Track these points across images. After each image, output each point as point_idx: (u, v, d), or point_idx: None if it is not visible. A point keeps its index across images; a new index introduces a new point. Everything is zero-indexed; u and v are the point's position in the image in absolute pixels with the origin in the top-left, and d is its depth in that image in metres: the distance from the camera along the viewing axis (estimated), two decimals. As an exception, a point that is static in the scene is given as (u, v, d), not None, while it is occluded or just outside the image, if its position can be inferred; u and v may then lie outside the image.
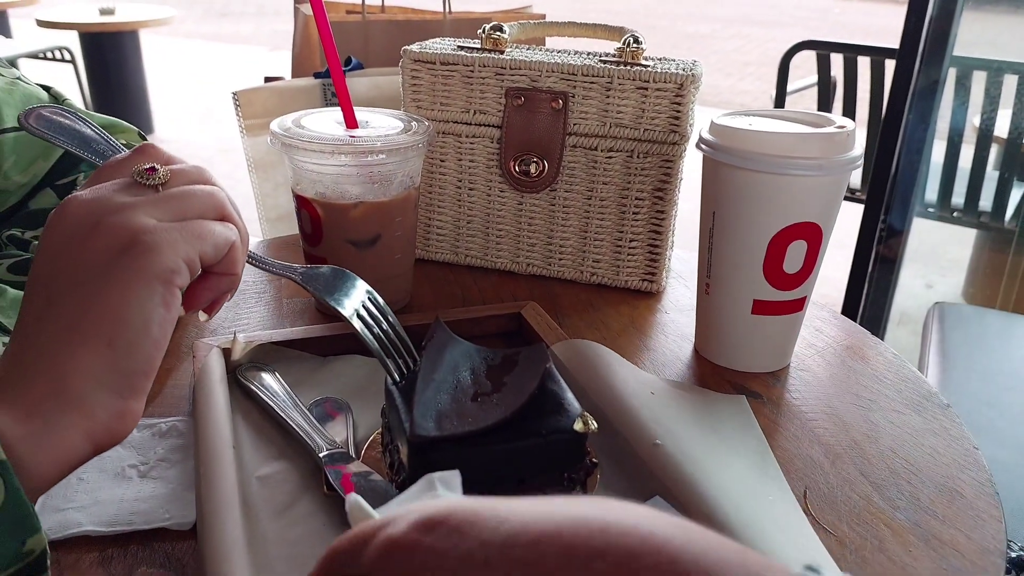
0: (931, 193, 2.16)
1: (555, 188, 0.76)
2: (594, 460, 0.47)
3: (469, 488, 0.43)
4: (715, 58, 7.02)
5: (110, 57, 4.20)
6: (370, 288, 0.53)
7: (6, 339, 0.53)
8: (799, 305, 0.62)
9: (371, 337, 0.49)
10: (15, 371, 0.35)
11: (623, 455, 0.50)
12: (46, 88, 0.71)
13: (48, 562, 0.33)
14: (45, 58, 3.84)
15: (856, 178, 2.37)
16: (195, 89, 5.50)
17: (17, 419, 0.33)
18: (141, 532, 0.45)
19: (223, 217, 0.40)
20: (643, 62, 0.73)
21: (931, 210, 2.19)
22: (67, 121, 0.47)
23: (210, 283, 0.41)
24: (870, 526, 0.48)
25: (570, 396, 0.47)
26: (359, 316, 0.50)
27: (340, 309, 0.50)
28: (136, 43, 4.28)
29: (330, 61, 0.65)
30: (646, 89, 0.70)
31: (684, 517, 0.43)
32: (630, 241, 0.76)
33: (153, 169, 0.39)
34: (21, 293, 0.56)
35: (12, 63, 0.68)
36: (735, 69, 6.63)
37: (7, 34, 4.67)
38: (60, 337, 0.35)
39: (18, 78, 0.69)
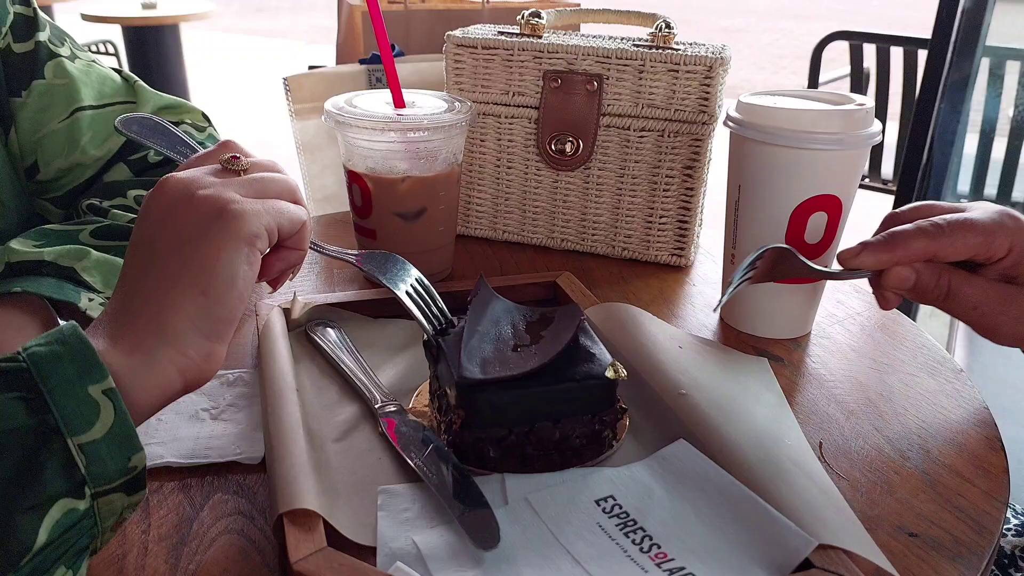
0: (964, 184, 2.16)
1: (589, 166, 0.80)
2: (623, 406, 0.52)
3: (512, 425, 0.48)
4: (749, 52, 6.99)
5: (152, 50, 4.31)
6: (417, 270, 0.57)
7: (91, 295, 0.59)
8: (820, 275, 0.66)
9: (419, 313, 0.53)
10: (122, 314, 0.40)
11: (651, 403, 0.55)
12: (117, 71, 0.77)
13: (146, 480, 0.38)
14: (90, 51, 3.96)
15: (888, 169, 2.38)
16: (234, 82, 5.60)
17: (124, 352, 0.39)
18: (216, 464, 0.50)
19: (295, 201, 0.46)
20: (674, 46, 0.76)
21: (964, 201, 2.19)
22: (158, 125, 0.54)
23: (281, 255, 0.47)
24: (880, 473, 0.52)
25: (602, 348, 0.51)
26: (408, 294, 0.55)
27: (394, 289, 0.54)
28: (177, 36, 4.38)
29: (381, 46, 0.69)
30: (677, 71, 0.74)
31: (706, 458, 0.48)
32: (660, 217, 0.80)
33: (237, 158, 0.45)
34: (104, 255, 0.61)
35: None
36: (769, 62, 6.60)
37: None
38: (162, 285, 0.40)
39: (93, 61, 0.75)
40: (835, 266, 0.57)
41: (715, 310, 0.51)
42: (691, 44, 0.79)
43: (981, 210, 0.54)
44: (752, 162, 0.63)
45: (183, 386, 0.41)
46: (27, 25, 0.70)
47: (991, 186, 2.12)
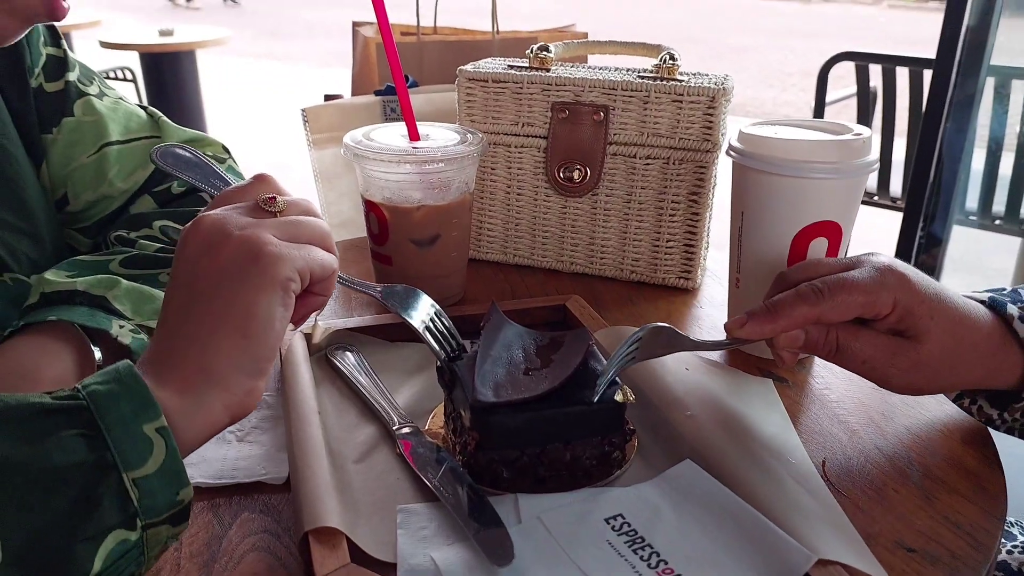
0: (972, 202, 2.17)
1: (597, 193, 0.83)
2: (631, 428, 0.54)
3: (524, 447, 0.50)
4: (758, 70, 7.02)
5: (168, 76, 4.39)
6: (434, 302, 0.60)
7: (121, 322, 0.62)
8: (822, 298, 0.68)
9: (435, 344, 0.56)
10: (168, 355, 0.43)
11: (659, 424, 0.57)
12: (143, 107, 0.80)
13: (190, 513, 0.41)
14: (108, 77, 4.03)
15: (896, 187, 2.39)
16: (249, 106, 5.68)
17: (174, 394, 0.41)
18: (242, 485, 0.53)
19: (327, 247, 0.47)
20: (678, 77, 0.79)
21: (972, 218, 2.20)
22: (192, 158, 0.56)
23: (306, 300, 0.48)
24: (881, 491, 0.53)
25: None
26: (426, 327, 0.57)
27: (412, 323, 0.57)
28: (193, 62, 4.46)
29: (397, 83, 0.72)
30: (681, 102, 0.77)
31: (712, 477, 0.50)
32: (667, 241, 0.83)
33: (273, 198, 0.46)
34: (133, 284, 0.64)
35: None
36: (778, 80, 6.63)
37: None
38: (205, 328, 0.42)
39: (120, 98, 0.79)
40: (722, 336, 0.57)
41: (594, 398, 0.52)
42: (695, 75, 0.81)
43: (865, 267, 0.54)
44: (754, 190, 0.65)
45: (229, 420, 0.43)
46: (58, 66, 0.73)
47: (999, 203, 2.13)
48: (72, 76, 0.74)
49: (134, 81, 4.10)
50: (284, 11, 10.17)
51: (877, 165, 0.63)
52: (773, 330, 0.53)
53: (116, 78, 4.05)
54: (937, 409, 0.63)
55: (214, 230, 0.44)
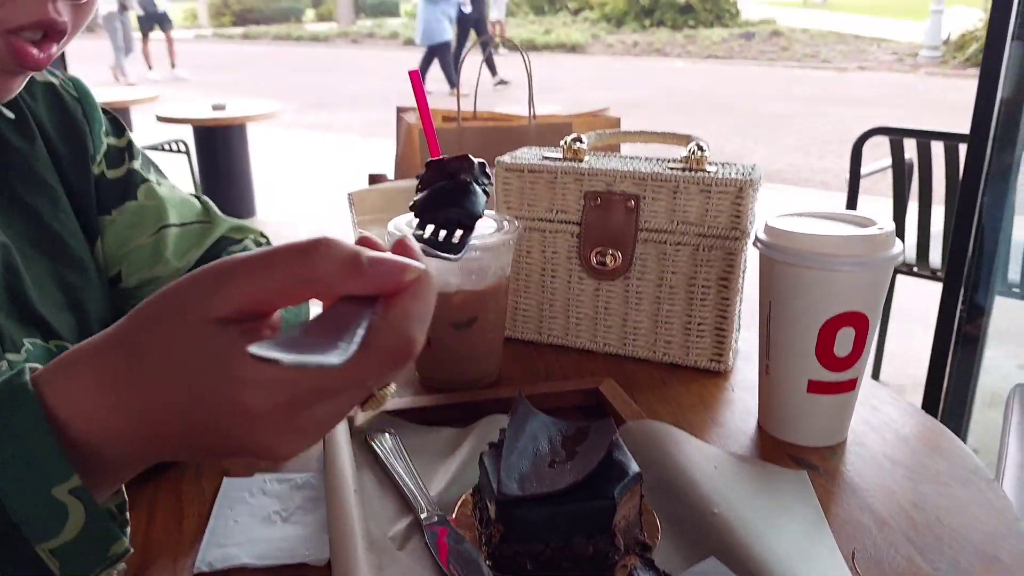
0: (1014, 273, 2.15)
1: (629, 277, 0.86)
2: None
3: (548, 540, 0.51)
4: (795, 137, 7.05)
5: (220, 148, 4.59)
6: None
7: None
8: (851, 385, 0.69)
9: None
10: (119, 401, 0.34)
11: (683, 521, 0.58)
12: (197, 197, 0.86)
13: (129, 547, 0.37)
14: (163, 150, 4.20)
15: (936, 257, 2.38)
16: (296, 175, 5.86)
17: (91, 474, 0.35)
18: (287, 565, 0.55)
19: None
20: (707, 168, 0.82)
21: (1015, 290, 2.18)
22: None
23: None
24: (911, 584, 0.54)
25: (634, 465, 0.55)
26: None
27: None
28: (243, 134, 4.64)
29: (436, 173, 0.76)
30: (709, 192, 0.80)
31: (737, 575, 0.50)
32: (698, 324, 0.84)
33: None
34: None
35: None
36: (815, 148, 6.65)
37: (129, 128, 5.12)
38: (163, 432, 0.35)
39: (173, 187, 0.84)
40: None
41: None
42: (723, 164, 0.84)
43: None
44: (781, 282, 0.67)
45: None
46: (119, 155, 0.79)
47: (1043, 275, 2.10)
48: (136, 165, 0.80)
49: (187, 153, 4.27)
50: (332, 84, 10.55)
51: (902, 257, 0.65)
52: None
53: (170, 150, 4.22)
54: (969, 499, 0.63)
55: (255, 403, 0.34)
